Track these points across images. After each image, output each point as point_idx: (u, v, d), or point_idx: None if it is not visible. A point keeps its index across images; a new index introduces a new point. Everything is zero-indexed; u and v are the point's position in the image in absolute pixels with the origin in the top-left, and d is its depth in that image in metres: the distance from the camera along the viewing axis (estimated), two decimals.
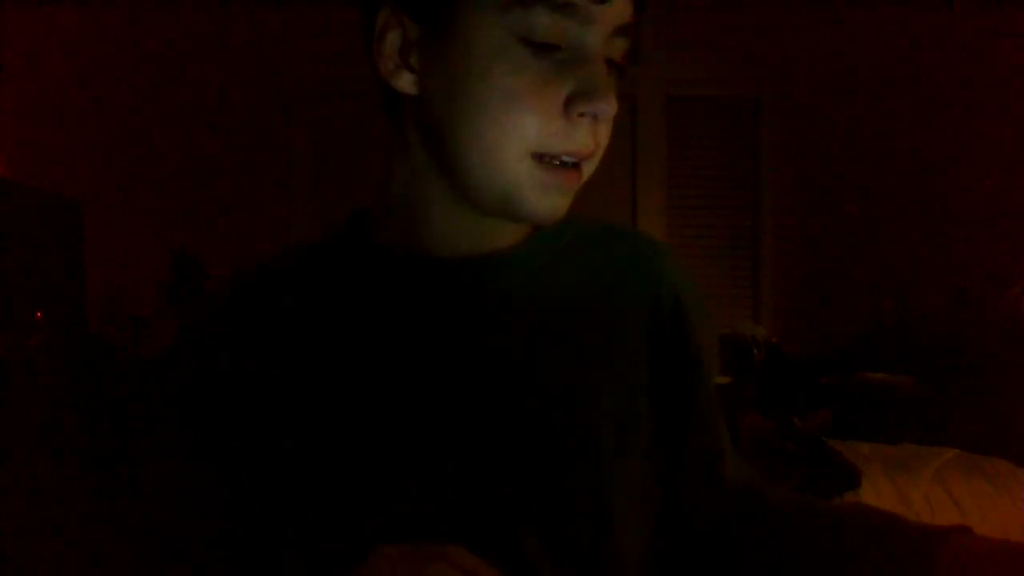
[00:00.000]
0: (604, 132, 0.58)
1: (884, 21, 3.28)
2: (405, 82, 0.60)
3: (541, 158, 0.56)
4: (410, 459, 0.57)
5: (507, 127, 0.54)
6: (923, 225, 3.27)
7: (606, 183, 3.88)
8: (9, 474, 1.94)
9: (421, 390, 0.58)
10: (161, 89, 3.20)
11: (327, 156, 3.27)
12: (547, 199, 0.57)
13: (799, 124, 3.33)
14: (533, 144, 0.55)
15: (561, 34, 0.54)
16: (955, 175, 3.25)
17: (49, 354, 2.29)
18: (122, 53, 3.19)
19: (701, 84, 3.34)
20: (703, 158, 3.36)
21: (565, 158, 0.56)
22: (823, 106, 3.33)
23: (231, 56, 3.22)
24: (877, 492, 1.72)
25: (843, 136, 3.33)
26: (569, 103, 0.55)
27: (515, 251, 0.64)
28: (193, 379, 0.63)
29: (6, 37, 3.04)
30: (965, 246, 3.20)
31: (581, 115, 0.55)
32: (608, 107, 0.55)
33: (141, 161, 3.18)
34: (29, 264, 2.40)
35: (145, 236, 3.11)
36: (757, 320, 3.20)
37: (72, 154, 3.11)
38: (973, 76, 3.22)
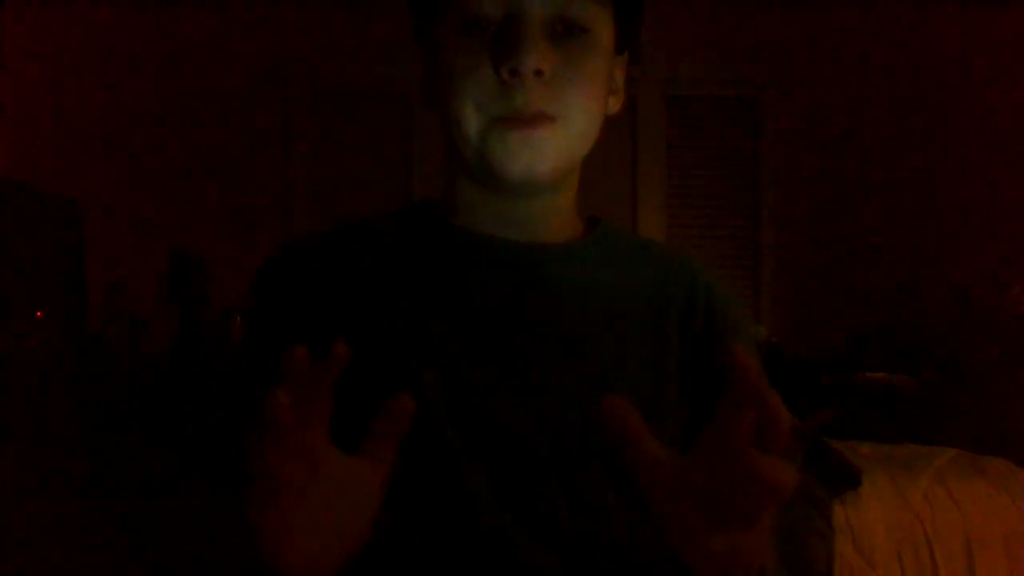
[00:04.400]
0: (559, 93, 0.62)
1: (884, 21, 3.28)
2: (428, 98, 0.70)
3: (494, 122, 0.62)
4: (459, 407, 0.62)
5: (460, 100, 0.63)
6: (923, 225, 3.28)
7: (606, 183, 3.86)
8: (9, 473, 1.94)
9: (473, 353, 0.64)
10: (161, 89, 3.20)
11: (327, 156, 3.27)
12: (517, 159, 0.63)
13: (799, 124, 3.33)
14: (484, 109, 0.62)
15: (487, 9, 0.61)
16: (955, 175, 3.25)
17: (49, 354, 2.29)
18: (122, 53, 3.19)
19: (701, 84, 3.34)
20: (703, 158, 3.36)
21: (511, 119, 0.62)
22: (823, 106, 3.33)
23: (231, 56, 3.22)
24: (877, 492, 1.72)
25: (843, 135, 3.33)
26: (496, 67, 0.61)
27: (570, 244, 0.71)
28: (280, 300, 0.68)
29: (6, 36, 3.04)
30: (965, 246, 3.20)
31: (511, 74, 0.60)
32: (524, 62, 0.59)
33: (141, 161, 3.18)
34: (29, 264, 2.40)
35: (145, 236, 3.11)
36: (757, 320, 3.20)
37: (72, 154, 3.11)
38: (973, 76, 3.23)
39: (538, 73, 0.60)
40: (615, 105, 0.71)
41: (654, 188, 3.32)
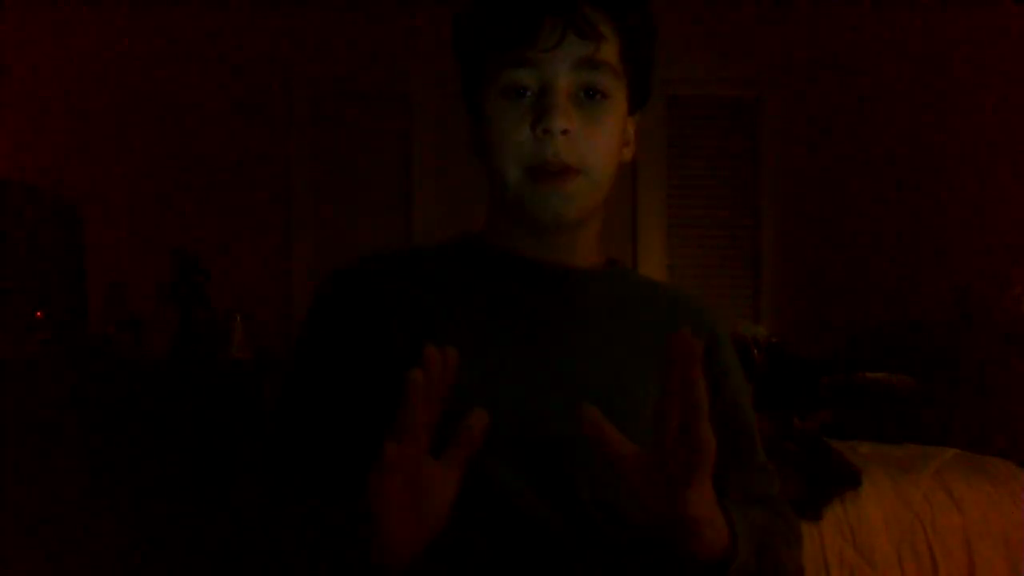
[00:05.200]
0: (582, 148, 0.76)
1: (883, 21, 3.28)
2: (475, 148, 0.84)
3: (529, 172, 0.76)
4: (496, 396, 0.70)
5: (503, 154, 0.77)
6: (923, 225, 3.28)
7: None
8: (9, 474, 1.94)
9: (510, 355, 0.76)
10: (161, 89, 3.20)
11: (327, 156, 3.27)
12: (548, 205, 0.77)
13: (799, 124, 3.33)
14: (521, 161, 0.76)
15: (526, 80, 0.76)
16: (955, 175, 3.25)
17: (49, 354, 2.29)
18: (122, 53, 3.19)
19: (701, 84, 3.34)
20: (703, 158, 3.36)
21: (543, 169, 0.75)
22: (823, 106, 3.33)
23: (231, 56, 3.22)
24: (877, 492, 1.72)
25: (843, 136, 3.33)
26: (532, 127, 0.75)
27: (594, 269, 0.85)
28: (340, 312, 0.80)
29: (6, 37, 3.04)
30: (965, 246, 3.20)
31: (544, 132, 0.74)
32: (553, 123, 0.74)
33: (141, 161, 3.18)
34: (29, 264, 2.40)
35: (145, 236, 3.11)
36: (757, 320, 3.20)
37: (72, 154, 3.11)
38: (973, 76, 3.23)
39: (565, 132, 0.75)
40: (628, 154, 0.87)
41: (654, 188, 3.32)
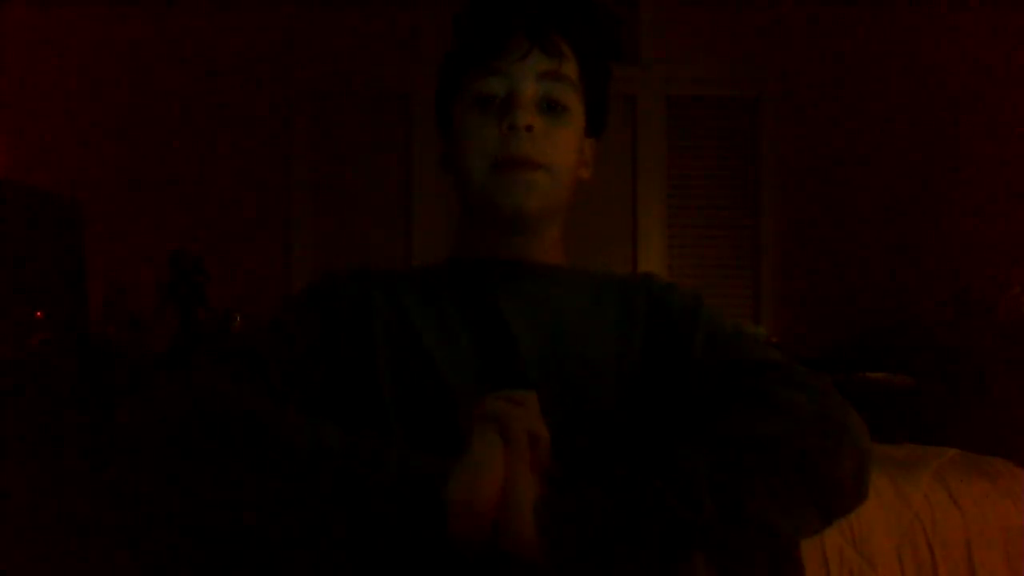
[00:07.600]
0: (544, 146, 0.83)
1: (883, 20, 3.28)
2: (446, 164, 0.94)
3: (494, 165, 0.83)
4: (467, 395, 0.76)
5: (471, 151, 0.85)
6: (923, 225, 3.28)
7: (606, 184, 3.87)
8: (9, 474, 1.94)
9: (473, 348, 0.81)
10: (161, 89, 3.20)
11: (327, 156, 3.27)
12: (510, 194, 0.83)
13: (799, 124, 3.33)
14: (488, 155, 0.84)
15: (496, 87, 0.85)
16: (955, 175, 3.25)
17: (49, 354, 2.29)
18: (122, 53, 3.19)
19: (701, 84, 3.34)
20: (703, 158, 3.36)
21: (507, 161, 0.82)
22: (823, 106, 3.33)
23: (231, 56, 3.22)
24: (877, 492, 1.72)
25: (843, 136, 3.33)
26: (499, 124, 0.84)
27: (562, 266, 0.91)
28: (323, 307, 0.85)
29: (6, 37, 3.04)
30: (965, 246, 3.20)
31: (509, 128, 0.83)
32: (519, 119, 0.82)
33: (141, 161, 3.18)
34: (29, 264, 2.41)
35: (145, 236, 3.11)
36: (757, 320, 3.20)
37: (72, 154, 3.11)
38: (973, 76, 3.23)
39: (528, 128, 0.83)
40: (585, 173, 0.93)
41: (654, 188, 3.32)
